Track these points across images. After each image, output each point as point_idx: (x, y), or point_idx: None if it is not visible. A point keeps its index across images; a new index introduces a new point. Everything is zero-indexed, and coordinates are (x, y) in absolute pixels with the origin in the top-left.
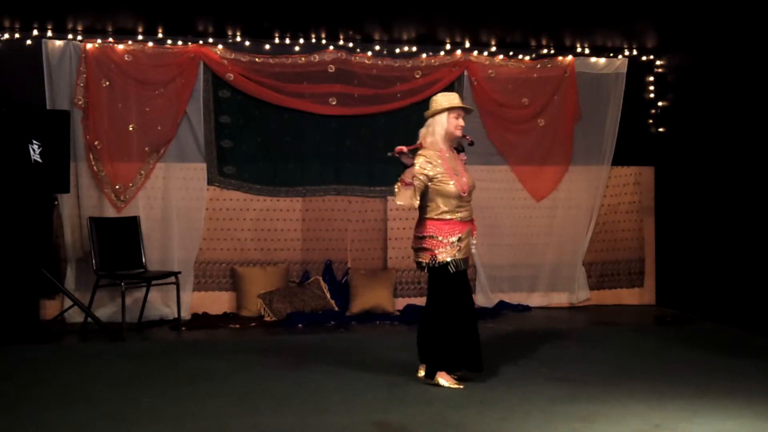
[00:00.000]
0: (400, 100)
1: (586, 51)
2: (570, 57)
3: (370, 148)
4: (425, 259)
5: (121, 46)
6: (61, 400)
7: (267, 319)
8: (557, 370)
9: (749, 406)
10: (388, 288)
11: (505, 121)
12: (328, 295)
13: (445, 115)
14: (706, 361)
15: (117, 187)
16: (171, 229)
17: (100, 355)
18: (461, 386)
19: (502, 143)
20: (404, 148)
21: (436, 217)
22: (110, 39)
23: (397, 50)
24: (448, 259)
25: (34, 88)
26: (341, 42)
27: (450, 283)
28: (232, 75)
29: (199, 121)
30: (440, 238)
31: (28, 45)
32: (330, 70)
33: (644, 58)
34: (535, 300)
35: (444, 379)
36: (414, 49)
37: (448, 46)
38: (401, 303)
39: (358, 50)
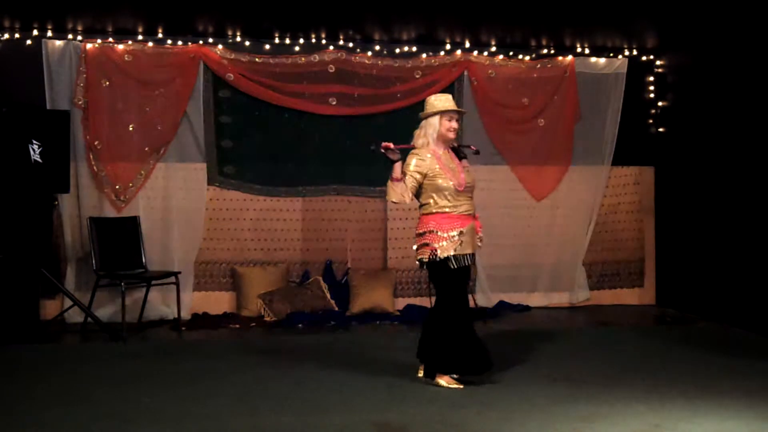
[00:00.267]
0: (400, 100)
1: (586, 51)
2: (570, 57)
3: (369, 148)
4: (425, 255)
5: (121, 46)
6: (61, 400)
7: (267, 319)
8: (557, 370)
9: (749, 406)
10: (388, 288)
11: (505, 121)
12: (328, 295)
13: (437, 117)
14: (706, 361)
15: (117, 187)
16: (171, 229)
17: (100, 355)
18: (461, 386)
19: (502, 143)
20: (390, 145)
21: (435, 211)
22: (110, 39)
23: (397, 50)
24: (448, 254)
25: (34, 88)
26: (341, 42)
27: (453, 280)
28: (232, 75)
29: (199, 121)
30: (440, 233)
31: (28, 45)
32: (330, 70)
33: (644, 58)
34: (535, 300)
35: (443, 380)
36: (414, 49)
37: (448, 46)
38: (401, 303)
39: (358, 50)
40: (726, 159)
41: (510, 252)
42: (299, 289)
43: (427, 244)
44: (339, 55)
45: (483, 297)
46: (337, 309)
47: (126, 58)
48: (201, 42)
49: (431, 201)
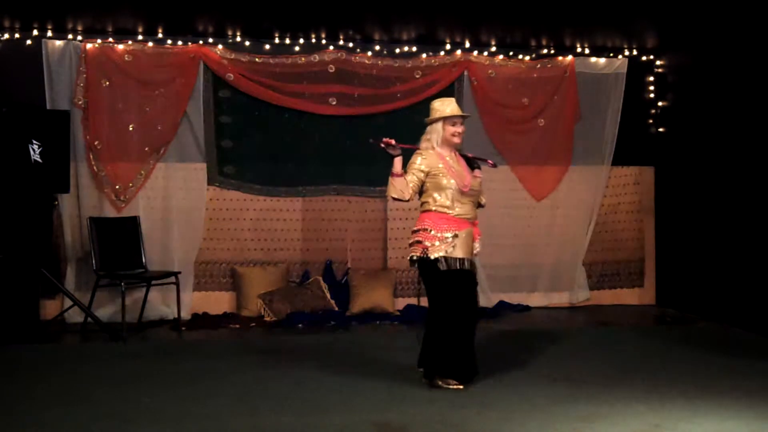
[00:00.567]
0: (400, 100)
1: (586, 51)
2: (570, 57)
3: (369, 148)
4: (416, 252)
5: (121, 46)
6: (61, 400)
7: (267, 319)
8: (557, 370)
9: (749, 406)
10: (388, 288)
11: (505, 121)
12: (328, 295)
13: (440, 123)
14: (706, 361)
15: (117, 187)
16: (171, 229)
17: (100, 355)
18: (461, 386)
19: (502, 143)
20: (392, 141)
21: (433, 209)
22: (110, 39)
23: (397, 50)
24: (437, 255)
25: (34, 88)
26: (341, 42)
27: (443, 282)
28: (232, 75)
29: (199, 121)
30: (433, 232)
31: (28, 45)
32: (330, 70)
33: (644, 58)
34: (535, 300)
35: (443, 380)
36: (414, 49)
37: (448, 46)
38: (401, 303)
39: (358, 50)
40: (726, 159)
41: (510, 252)
42: (299, 289)
43: (419, 242)
44: (339, 55)
45: (483, 297)
46: (337, 309)
47: (126, 58)
48: (201, 42)
49: (431, 199)
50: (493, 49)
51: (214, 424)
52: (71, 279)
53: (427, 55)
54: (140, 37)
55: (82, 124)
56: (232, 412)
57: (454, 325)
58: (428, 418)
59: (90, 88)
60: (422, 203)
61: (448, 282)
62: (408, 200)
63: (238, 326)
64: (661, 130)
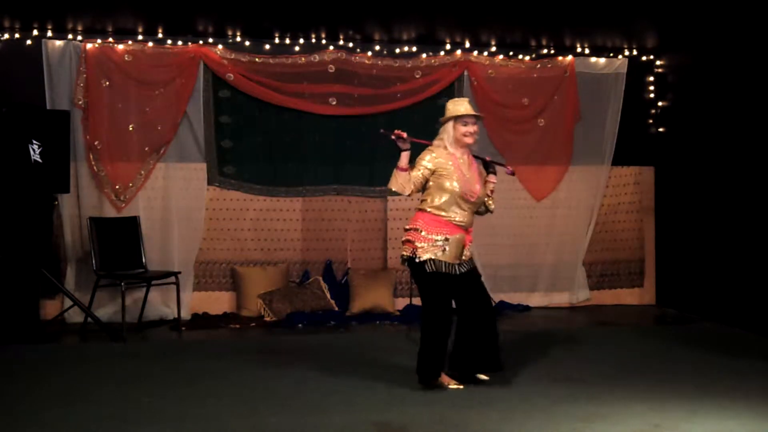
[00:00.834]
0: (400, 100)
1: (586, 51)
2: (570, 57)
3: (370, 148)
4: (407, 251)
5: (121, 46)
6: (61, 400)
7: (267, 319)
8: (557, 370)
9: (749, 406)
10: (388, 288)
11: (505, 121)
12: (328, 295)
13: (451, 123)
14: (706, 361)
15: (117, 187)
16: (171, 229)
17: (100, 355)
18: (461, 386)
19: (502, 143)
20: (404, 134)
21: (428, 209)
22: (110, 39)
23: (397, 50)
24: (425, 257)
25: (34, 88)
26: (341, 42)
27: (431, 284)
28: (232, 75)
29: (199, 121)
30: (423, 233)
31: (28, 45)
32: (330, 70)
33: (644, 58)
34: (535, 300)
35: (442, 381)
36: (414, 49)
37: (448, 46)
38: (401, 303)
39: (358, 50)
40: (726, 159)
41: (510, 252)
42: (299, 289)
43: (410, 241)
44: (339, 55)
45: None
46: (337, 309)
47: (126, 58)
48: (201, 42)
49: (429, 198)
50: (493, 49)
51: (214, 424)
52: (71, 279)
53: (427, 55)
54: (140, 37)
55: (82, 124)
56: (232, 412)
57: (444, 324)
58: (428, 419)
59: (90, 88)
60: (421, 201)
61: (436, 283)
62: (408, 195)
63: (238, 326)
64: (661, 130)
